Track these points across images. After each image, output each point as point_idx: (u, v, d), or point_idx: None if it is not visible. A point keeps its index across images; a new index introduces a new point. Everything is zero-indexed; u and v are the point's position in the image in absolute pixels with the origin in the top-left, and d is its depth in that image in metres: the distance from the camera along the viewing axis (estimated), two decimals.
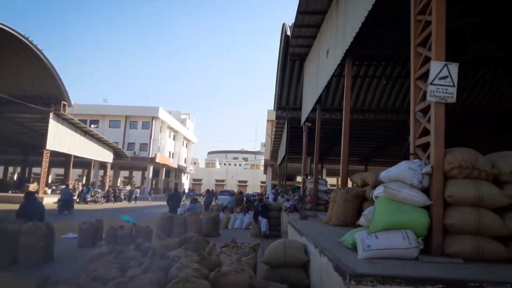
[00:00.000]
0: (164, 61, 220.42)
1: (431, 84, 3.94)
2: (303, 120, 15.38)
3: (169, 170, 58.76)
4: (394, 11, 9.89)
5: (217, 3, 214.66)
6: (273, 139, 33.30)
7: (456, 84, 3.99)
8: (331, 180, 43.60)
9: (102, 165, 42.92)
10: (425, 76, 4.28)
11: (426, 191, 3.87)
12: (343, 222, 6.43)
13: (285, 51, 15.24)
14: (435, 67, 3.97)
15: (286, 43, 14.71)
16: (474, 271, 3.23)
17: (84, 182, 42.01)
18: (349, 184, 9.81)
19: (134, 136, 50.55)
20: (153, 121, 50.46)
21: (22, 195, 19.62)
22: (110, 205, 29.74)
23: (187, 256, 4.85)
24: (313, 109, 12.98)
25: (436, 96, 3.92)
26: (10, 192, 28.20)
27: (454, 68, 3.99)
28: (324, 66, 10.56)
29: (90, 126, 37.64)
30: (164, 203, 21.69)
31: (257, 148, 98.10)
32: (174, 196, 17.13)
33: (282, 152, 27.96)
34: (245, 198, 20.43)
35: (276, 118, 22.41)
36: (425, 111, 4.23)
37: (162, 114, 51.88)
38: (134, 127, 51.36)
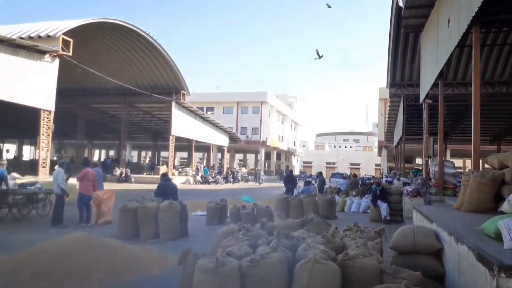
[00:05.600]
0: (271, 47, 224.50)
1: None
2: (422, 97, 14.26)
3: (279, 153, 60.29)
4: None
5: None
6: (387, 119, 31.62)
7: None
8: (456, 162, 39.74)
9: (220, 149, 46.14)
10: None
11: None
12: (477, 208, 5.91)
13: (397, 23, 14.28)
14: None
15: (398, 15, 13.75)
16: None
17: (205, 164, 45.70)
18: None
19: (245, 121, 52.90)
20: (262, 106, 52.05)
21: (156, 176, 22.04)
22: (229, 185, 31.82)
23: (310, 237, 4.93)
24: (434, 85, 11.96)
25: None
26: (144, 174, 32.05)
27: None
28: (445, 37, 9.57)
29: (206, 113, 40.67)
30: (276, 184, 22.22)
31: (369, 129, 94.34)
32: (290, 178, 17.31)
33: (398, 133, 26.44)
34: (360, 181, 19.87)
35: (390, 96, 21.16)
36: None
37: (270, 99, 53.21)
38: (245, 112, 53.67)
